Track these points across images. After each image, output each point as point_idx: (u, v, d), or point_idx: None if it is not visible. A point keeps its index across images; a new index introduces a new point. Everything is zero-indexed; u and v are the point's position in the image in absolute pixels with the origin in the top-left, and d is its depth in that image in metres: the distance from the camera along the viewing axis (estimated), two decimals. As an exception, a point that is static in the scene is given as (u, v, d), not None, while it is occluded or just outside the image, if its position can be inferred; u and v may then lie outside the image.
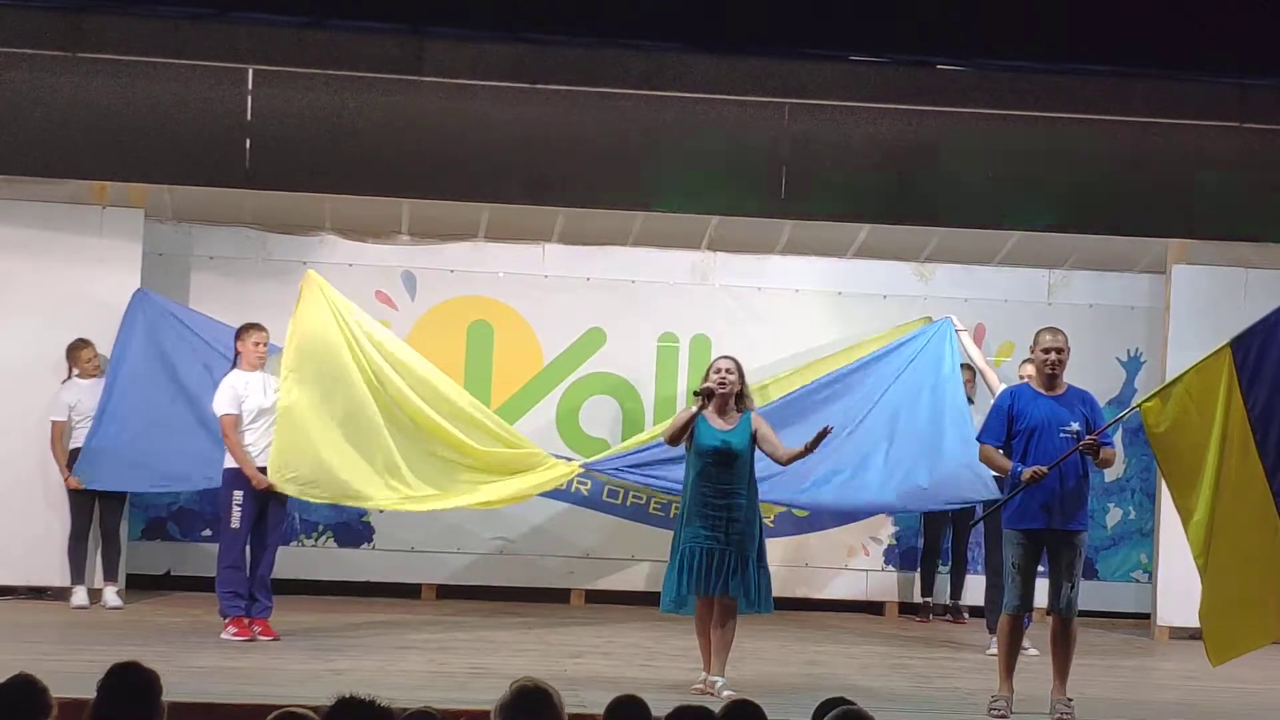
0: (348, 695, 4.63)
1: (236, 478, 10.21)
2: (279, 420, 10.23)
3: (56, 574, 11.35)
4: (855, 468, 11.54)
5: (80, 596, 11.23)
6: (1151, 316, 12.69)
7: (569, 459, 11.51)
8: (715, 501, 8.96)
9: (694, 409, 9.05)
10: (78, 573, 11.27)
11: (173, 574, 12.15)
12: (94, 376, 11.26)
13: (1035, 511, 8.70)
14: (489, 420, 11.02)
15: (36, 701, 4.86)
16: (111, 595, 11.28)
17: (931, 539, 12.45)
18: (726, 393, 9.08)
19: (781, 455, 9.15)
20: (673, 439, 9.16)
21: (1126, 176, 11.17)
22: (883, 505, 11.98)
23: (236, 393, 10.24)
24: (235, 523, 10.17)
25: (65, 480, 11.17)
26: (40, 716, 4.83)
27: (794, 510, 12.20)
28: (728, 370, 9.11)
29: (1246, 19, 10.42)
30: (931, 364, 11.69)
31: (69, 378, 11.30)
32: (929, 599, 12.53)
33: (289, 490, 10.28)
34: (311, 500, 10.62)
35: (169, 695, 4.92)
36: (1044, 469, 8.57)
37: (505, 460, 10.97)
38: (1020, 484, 8.65)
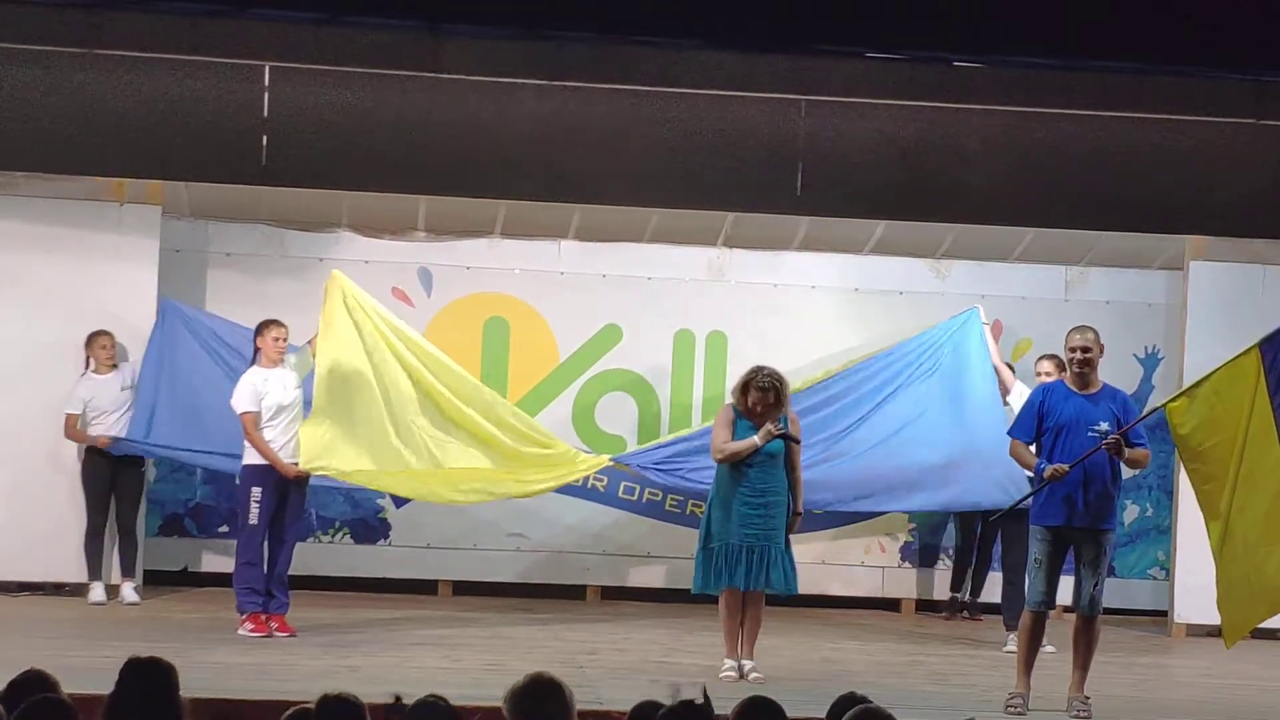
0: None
1: (255, 474, 10.22)
2: (313, 413, 10.26)
3: (74, 570, 11.38)
4: (873, 464, 11.53)
5: (98, 592, 11.27)
6: (1169, 313, 12.67)
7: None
8: (754, 500, 9.25)
9: (757, 441, 9.25)
10: (95, 569, 11.31)
11: (190, 570, 12.18)
12: (109, 369, 11.29)
13: (1057, 507, 8.71)
14: (516, 419, 11.01)
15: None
16: (129, 591, 11.32)
17: (967, 535, 12.33)
18: (767, 406, 9.31)
19: (792, 471, 9.41)
20: (726, 461, 9.35)
21: (1143, 173, 11.15)
22: (901, 504, 11.95)
23: (256, 390, 10.25)
24: (253, 519, 10.18)
25: (97, 440, 11.16)
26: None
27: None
28: (765, 405, 9.28)
29: (1263, 16, 10.40)
30: (958, 354, 11.59)
31: (86, 371, 11.33)
32: (958, 594, 12.46)
33: (322, 471, 10.34)
34: (343, 480, 10.68)
35: (185, 691, 4.93)
36: (1065, 466, 8.57)
37: (535, 456, 10.96)
38: (1042, 481, 8.68)
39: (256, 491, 10.19)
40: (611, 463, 11.36)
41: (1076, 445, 8.67)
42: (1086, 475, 8.65)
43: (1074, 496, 8.67)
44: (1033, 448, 8.90)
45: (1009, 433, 9.14)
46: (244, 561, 10.24)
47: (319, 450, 10.28)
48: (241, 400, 10.25)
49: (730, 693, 6.89)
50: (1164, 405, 8.77)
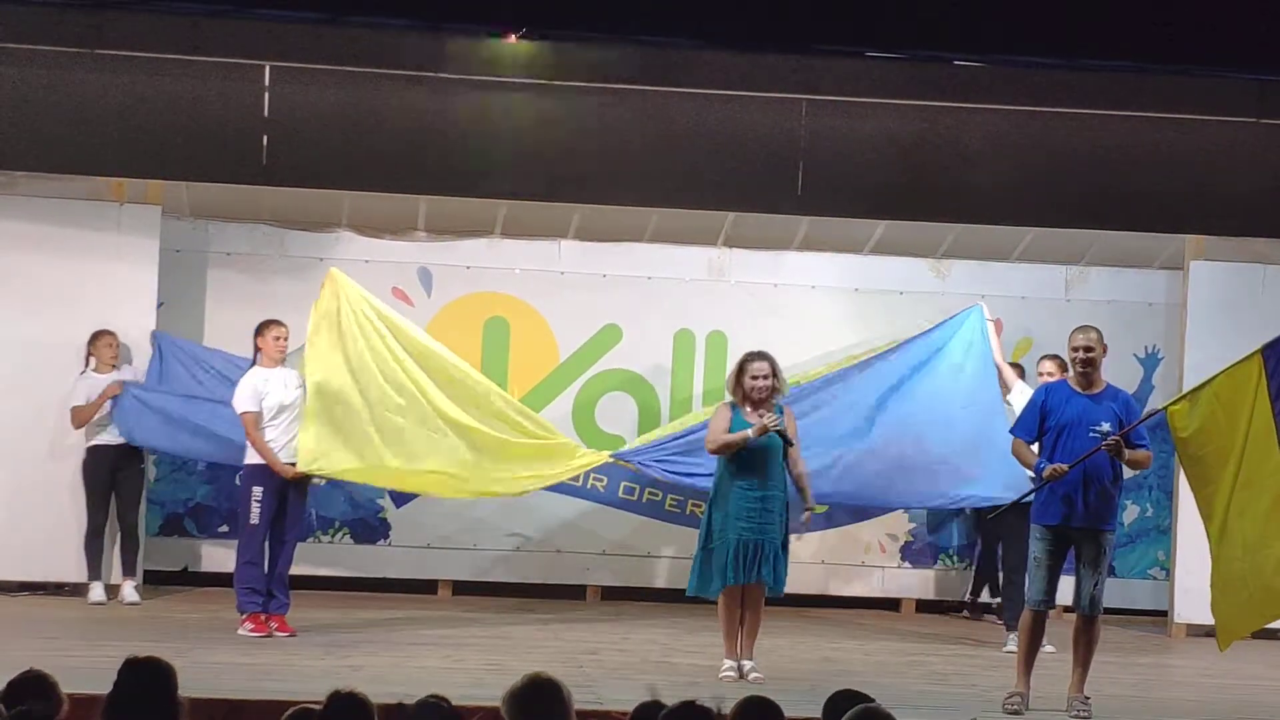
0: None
1: (256, 474, 10.23)
2: (307, 414, 10.26)
3: (74, 570, 11.38)
4: (877, 460, 11.49)
5: (98, 592, 11.27)
6: (1169, 313, 12.66)
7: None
8: (751, 494, 9.24)
9: (749, 434, 9.25)
10: (95, 568, 11.30)
11: (190, 570, 12.18)
12: (110, 369, 11.29)
13: (1057, 507, 8.72)
14: (514, 411, 10.97)
15: (47, 697, 4.87)
16: (129, 591, 11.32)
17: (989, 537, 12.28)
18: (764, 396, 9.30)
19: (794, 467, 9.40)
20: (718, 452, 9.38)
21: (1144, 172, 11.16)
22: (902, 501, 11.92)
23: (257, 390, 10.25)
24: (254, 519, 10.19)
25: (106, 392, 11.13)
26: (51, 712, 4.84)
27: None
28: (764, 377, 9.31)
29: (1263, 16, 10.41)
30: (960, 351, 11.55)
31: (85, 370, 11.32)
32: (981, 599, 12.41)
33: (318, 471, 10.33)
34: (340, 478, 10.68)
35: (185, 691, 4.93)
36: (1064, 466, 8.58)
37: (535, 450, 10.95)
38: (1041, 480, 8.69)
39: (257, 491, 10.20)
40: (612, 459, 11.32)
41: (1078, 445, 8.68)
42: (1087, 475, 8.65)
43: (1074, 496, 8.68)
44: (1035, 447, 8.92)
45: (1011, 431, 9.16)
46: (245, 561, 10.25)
47: (314, 451, 10.28)
48: (242, 400, 10.26)
49: (730, 693, 6.88)
50: (1165, 408, 8.78)
